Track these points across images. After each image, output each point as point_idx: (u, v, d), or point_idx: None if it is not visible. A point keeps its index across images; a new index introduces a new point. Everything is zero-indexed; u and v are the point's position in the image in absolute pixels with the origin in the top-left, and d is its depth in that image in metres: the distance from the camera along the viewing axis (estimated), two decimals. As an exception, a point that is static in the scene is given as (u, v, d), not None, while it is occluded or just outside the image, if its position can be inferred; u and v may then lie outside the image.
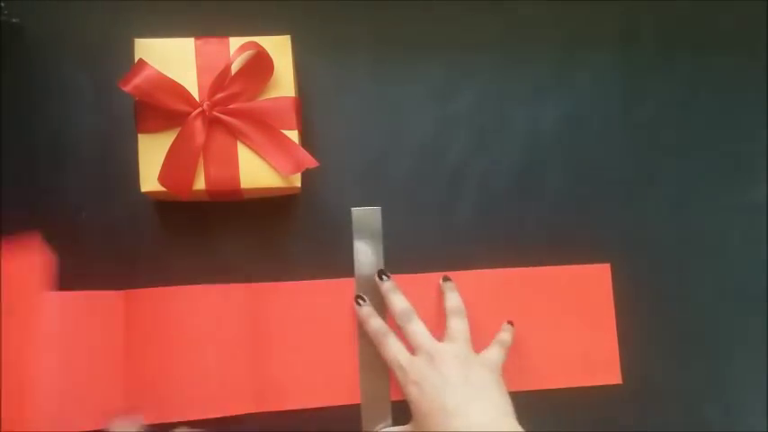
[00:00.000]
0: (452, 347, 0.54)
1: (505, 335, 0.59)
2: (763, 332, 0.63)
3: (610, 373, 0.61)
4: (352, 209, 0.61)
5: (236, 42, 0.56)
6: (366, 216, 0.61)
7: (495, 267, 0.62)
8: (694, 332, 0.63)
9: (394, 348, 0.55)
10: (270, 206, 0.60)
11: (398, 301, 0.57)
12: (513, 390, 0.55)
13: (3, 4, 0.59)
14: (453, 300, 0.58)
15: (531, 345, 0.60)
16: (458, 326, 0.56)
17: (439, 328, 0.58)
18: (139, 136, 0.54)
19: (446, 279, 0.60)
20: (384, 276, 0.59)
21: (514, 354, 0.59)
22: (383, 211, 0.62)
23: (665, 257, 0.64)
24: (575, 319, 0.61)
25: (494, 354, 0.57)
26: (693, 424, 0.62)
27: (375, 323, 0.57)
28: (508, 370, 0.57)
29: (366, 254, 0.60)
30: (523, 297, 0.61)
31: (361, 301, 0.58)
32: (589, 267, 0.62)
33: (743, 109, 0.65)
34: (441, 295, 0.60)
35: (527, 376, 0.60)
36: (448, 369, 0.52)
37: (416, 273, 0.61)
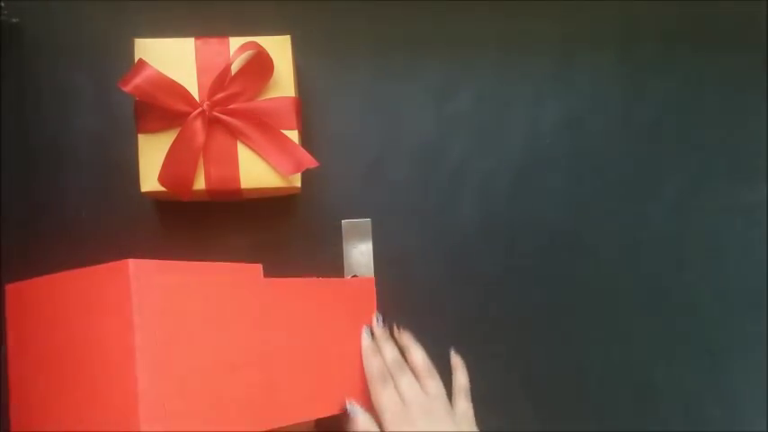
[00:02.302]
0: (442, 404, 0.54)
1: (461, 377, 0.57)
2: (763, 332, 0.63)
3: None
4: (343, 221, 0.61)
5: (236, 42, 0.56)
6: (356, 227, 0.61)
7: (493, 266, 0.62)
8: (694, 332, 0.63)
9: (392, 396, 0.54)
10: (270, 206, 0.60)
11: (395, 349, 0.57)
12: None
13: (3, 4, 0.59)
14: (462, 379, 0.57)
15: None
16: (436, 384, 0.55)
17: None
18: (139, 136, 0.54)
19: (455, 354, 0.59)
20: (379, 320, 0.58)
21: None
22: (384, 211, 0.62)
23: (665, 257, 0.63)
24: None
25: (468, 407, 0.56)
26: (693, 424, 0.62)
27: (378, 363, 0.56)
28: None
29: (356, 265, 0.60)
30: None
31: (367, 335, 0.58)
32: (355, 280, 0.59)
33: (743, 109, 0.65)
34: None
35: None
36: (445, 426, 0.52)
37: (416, 271, 0.61)
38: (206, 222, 0.60)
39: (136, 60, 0.54)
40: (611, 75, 0.65)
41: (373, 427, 0.52)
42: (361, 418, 0.53)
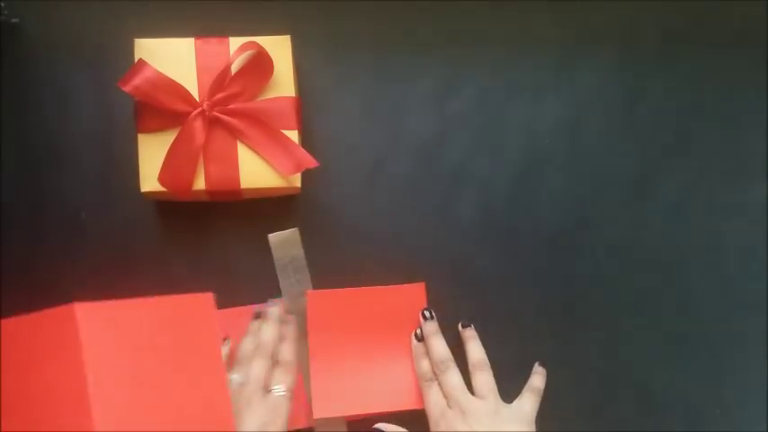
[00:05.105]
0: (484, 404, 0.54)
1: (537, 380, 0.58)
2: (763, 332, 0.63)
3: (410, 397, 0.58)
4: (269, 235, 0.60)
5: (236, 42, 0.56)
6: (285, 240, 0.60)
7: (493, 266, 0.62)
8: (694, 332, 0.63)
9: (435, 397, 0.56)
10: (270, 206, 0.60)
11: (439, 347, 0.57)
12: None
13: (2, 4, 0.59)
14: (477, 353, 0.57)
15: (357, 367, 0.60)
16: (484, 380, 0.56)
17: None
18: (139, 136, 0.54)
19: (465, 326, 0.59)
20: (427, 315, 0.59)
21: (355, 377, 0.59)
22: (384, 211, 0.62)
23: (665, 257, 0.63)
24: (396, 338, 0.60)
25: (526, 404, 0.56)
26: (693, 424, 0.62)
27: (424, 366, 0.58)
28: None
29: (290, 278, 0.60)
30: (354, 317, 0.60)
31: (416, 339, 0.59)
32: (404, 287, 0.60)
33: (743, 109, 0.65)
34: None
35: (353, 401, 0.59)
36: (480, 426, 0.53)
37: (417, 272, 0.61)
38: (206, 222, 0.60)
39: (136, 60, 0.54)
40: (611, 75, 0.64)
41: None
42: None
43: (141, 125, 0.54)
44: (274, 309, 0.57)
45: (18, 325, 0.44)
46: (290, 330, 0.57)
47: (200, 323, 0.47)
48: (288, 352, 0.55)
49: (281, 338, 0.56)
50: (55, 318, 0.42)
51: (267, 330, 0.55)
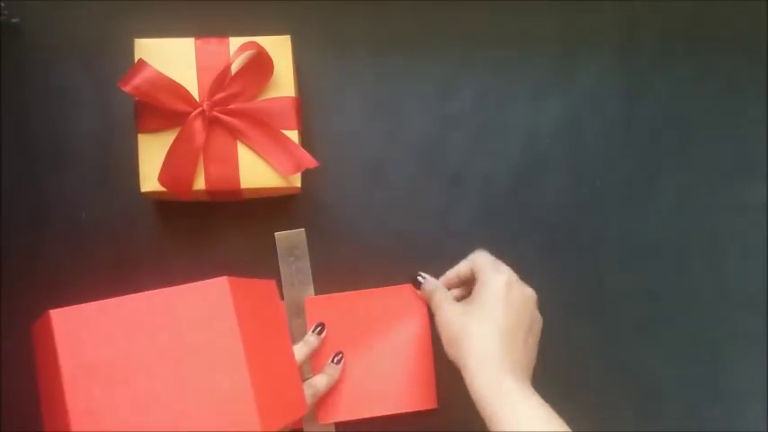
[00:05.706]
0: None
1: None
2: (763, 332, 0.63)
3: (426, 398, 0.59)
4: (276, 233, 0.60)
5: (236, 42, 0.56)
6: (291, 239, 0.60)
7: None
8: (694, 332, 0.63)
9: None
10: (270, 206, 0.60)
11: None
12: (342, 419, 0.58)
13: (2, 5, 0.59)
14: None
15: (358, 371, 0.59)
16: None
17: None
18: (139, 136, 0.54)
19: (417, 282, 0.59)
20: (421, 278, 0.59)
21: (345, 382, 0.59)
22: (384, 211, 0.62)
23: (665, 257, 0.64)
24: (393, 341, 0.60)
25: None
26: (693, 424, 0.62)
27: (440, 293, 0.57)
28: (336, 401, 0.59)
29: (292, 277, 0.60)
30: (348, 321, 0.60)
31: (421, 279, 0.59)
32: (404, 287, 0.60)
33: (743, 109, 0.65)
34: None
35: (354, 403, 0.59)
36: None
37: (416, 272, 0.61)
38: (206, 222, 0.60)
39: (136, 60, 0.54)
40: (611, 75, 0.65)
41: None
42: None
43: (141, 125, 0.54)
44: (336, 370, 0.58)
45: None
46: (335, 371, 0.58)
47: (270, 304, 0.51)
48: (323, 384, 0.56)
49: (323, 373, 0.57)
50: (41, 324, 0.43)
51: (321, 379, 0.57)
